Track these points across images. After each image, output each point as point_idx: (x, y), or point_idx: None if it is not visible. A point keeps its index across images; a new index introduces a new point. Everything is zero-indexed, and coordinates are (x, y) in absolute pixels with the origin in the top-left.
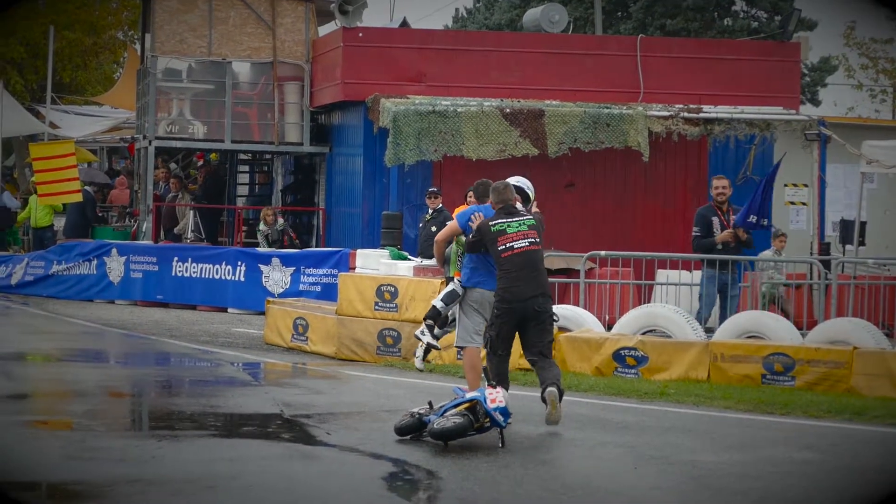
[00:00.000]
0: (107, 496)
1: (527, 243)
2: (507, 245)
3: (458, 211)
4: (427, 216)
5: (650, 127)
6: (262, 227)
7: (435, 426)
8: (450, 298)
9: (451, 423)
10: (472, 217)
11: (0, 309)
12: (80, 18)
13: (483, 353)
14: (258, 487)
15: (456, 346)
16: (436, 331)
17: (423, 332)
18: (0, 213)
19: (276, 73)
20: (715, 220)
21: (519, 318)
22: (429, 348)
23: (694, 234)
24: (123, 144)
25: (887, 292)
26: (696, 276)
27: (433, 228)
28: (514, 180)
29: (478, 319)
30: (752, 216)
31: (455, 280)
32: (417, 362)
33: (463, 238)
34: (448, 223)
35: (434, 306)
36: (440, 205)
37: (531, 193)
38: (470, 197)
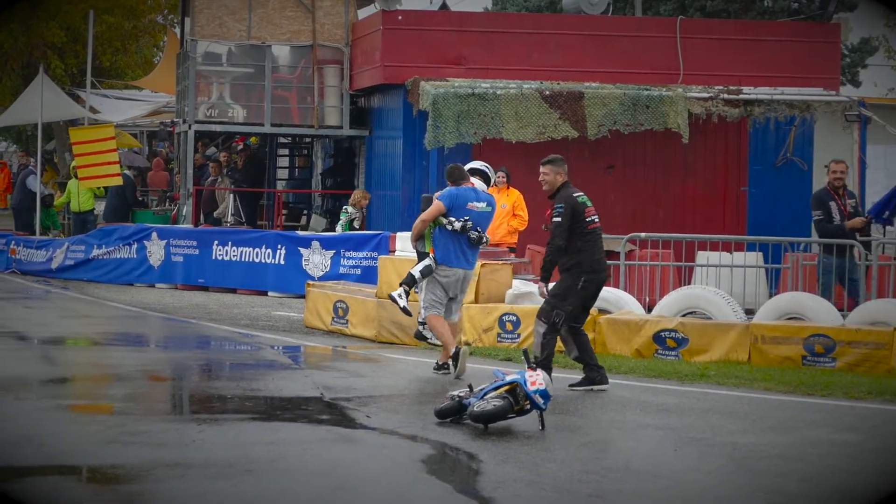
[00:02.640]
0: (146, 480)
1: (597, 217)
2: (591, 218)
3: (438, 193)
4: None
5: (690, 108)
6: (350, 209)
7: (475, 409)
8: (427, 271)
9: (491, 406)
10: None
11: (41, 293)
12: (119, 3)
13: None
14: (298, 471)
15: (423, 314)
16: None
17: (399, 296)
18: (26, 197)
19: (316, 56)
20: (832, 204)
21: (597, 288)
22: (406, 294)
23: (817, 217)
24: (163, 128)
25: None
26: (737, 257)
27: None
28: (477, 164)
29: (440, 293)
30: (886, 212)
31: (431, 255)
32: (401, 301)
33: (443, 219)
34: (433, 204)
35: (411, 274)
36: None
37: (492, 175)
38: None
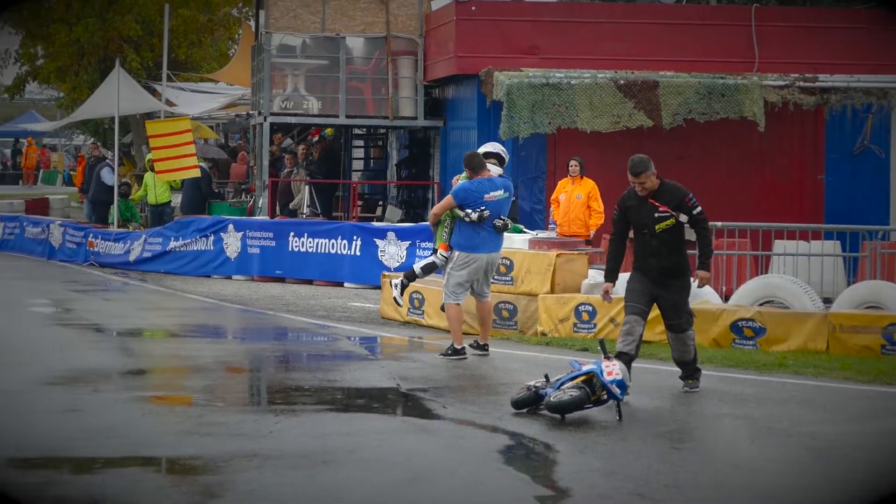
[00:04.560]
0: (224, 471)
1: None
2: None
3: (455, 183)
4: None
5: (765, 97)
6: None
7: (551, 399)
8: (428, 269)
9: (568, 396)
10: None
11: (118, 285)
12: None
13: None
14: (375, 461)
15: (443, 300)
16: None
17: (395, 286)
18: (101, 190)
19: (390, 47)
20: None
21: None
22: (403, 287)
23: None
24: (239, 121)
25: None
26: (815, 246)
27: None
28: (490, 146)
29: (465, 280)
30: None
31: (439, 253)
32: (395, 291)
33: (459, 212)
34: (445, 198)
35: (413, 270)
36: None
37: (506, 157)
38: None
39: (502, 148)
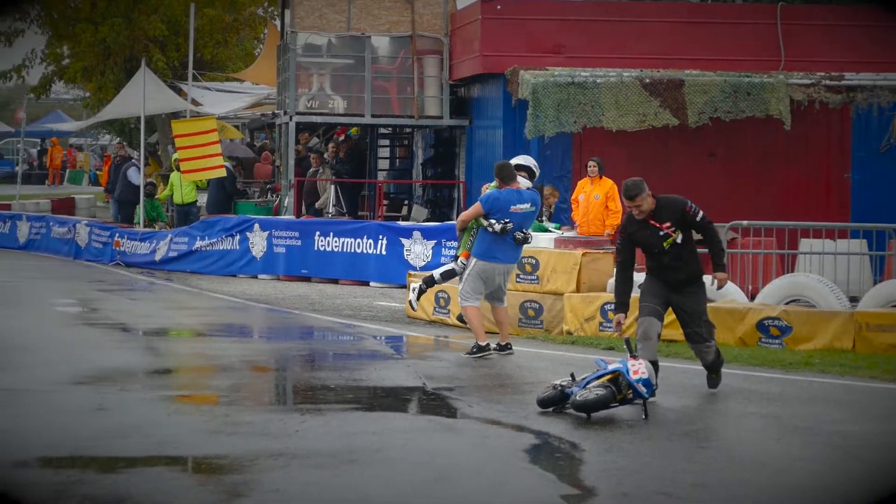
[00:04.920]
0: (250, 470)
1: None
2: None
3: (484, 191)
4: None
5: (791, 95)
6: None
7: (577, 398)
8: (448, 276)
9: (594, 396)
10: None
11: (144, 285)
12: None
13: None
14: (400, 461)
15: (461, 303)
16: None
17: (413, 290)
18: (126, 188)
19: (416, 46)
20: None
21: None
22: (421, 292)
23: None
24: (265, 120)
25: None
26: (841, 244)
27: None
28: (522, 159)
29: (480, 285)
30: None
31: (459, 260)
32: (412, 295)
33: (483, 221)
34: (473, 206)
35: (433, 276)
36: None
37: (536, 171)
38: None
39: (534, 162)
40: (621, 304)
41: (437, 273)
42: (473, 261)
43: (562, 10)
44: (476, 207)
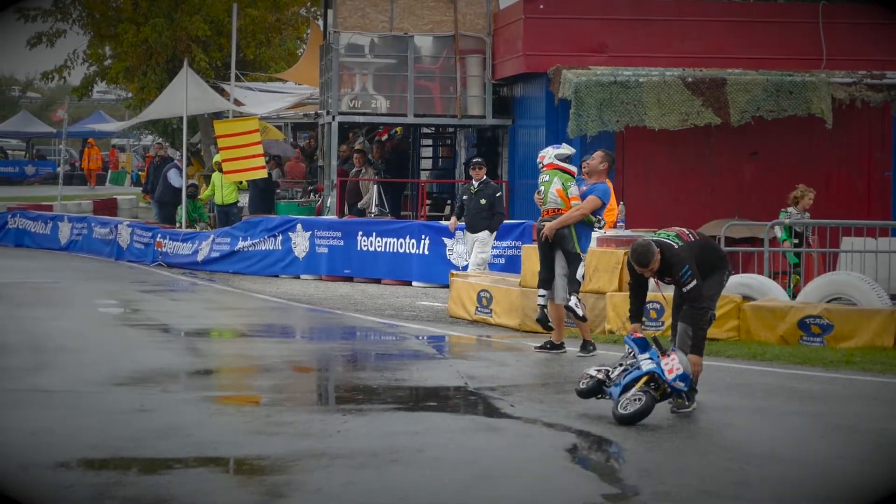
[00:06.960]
0: (292, 470)
1: None
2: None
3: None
4: (473, 188)
5: (833, 94)
6: (791, 210)
7: (619, 410)
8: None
9: (637, 407)
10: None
11: (187, 285)
12: None
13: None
14: (442, 460)
15: (571, 300)
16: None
17: (576, 305)
18: (167, 190)
19: (458, 46)
20: None
21: None
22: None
23: None
24: (307, 120)
25: None
26: (882, 243)
27: (482, 201)
28: (567, 149)
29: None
30: None
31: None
32: (579, 311)
33: (592, 216)
34: (589, 197)
35: (577, 280)
36: (484, 176)
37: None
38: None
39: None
40: (635, 315)
41: (579, 275)
42: (583, 257)
43: (604, 9)
44: (594, 201)
